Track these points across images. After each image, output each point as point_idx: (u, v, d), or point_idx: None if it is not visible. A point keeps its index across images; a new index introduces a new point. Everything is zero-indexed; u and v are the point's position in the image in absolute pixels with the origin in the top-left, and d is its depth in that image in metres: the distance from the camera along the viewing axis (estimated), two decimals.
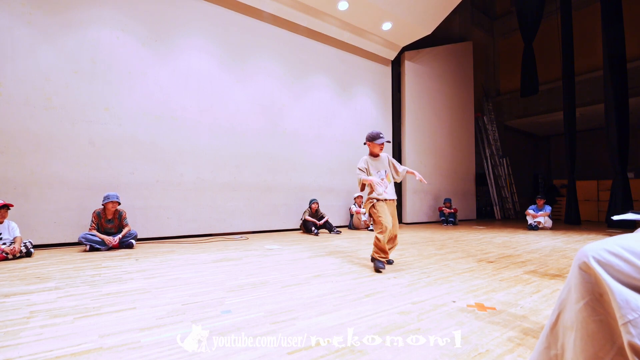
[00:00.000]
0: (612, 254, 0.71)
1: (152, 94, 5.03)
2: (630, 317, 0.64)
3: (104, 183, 4.58)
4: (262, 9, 6.23)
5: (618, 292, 0.67)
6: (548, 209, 7.10)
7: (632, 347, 0.64)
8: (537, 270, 3.03)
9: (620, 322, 0.66)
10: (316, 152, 7.01)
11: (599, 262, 0.71)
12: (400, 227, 7.64)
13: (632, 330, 0.64)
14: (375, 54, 8.20)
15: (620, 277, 0.68)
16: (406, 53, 8.66)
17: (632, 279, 0.68)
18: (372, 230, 6.61)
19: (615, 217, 1.09)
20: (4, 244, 3.40)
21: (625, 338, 0.65)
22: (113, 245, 3.96)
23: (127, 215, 4.34)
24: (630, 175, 9.43)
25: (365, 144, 3.26)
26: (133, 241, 4.16)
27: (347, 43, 7.61)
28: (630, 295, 0.66)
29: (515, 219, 10.59)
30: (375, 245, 2.99)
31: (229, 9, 5.88)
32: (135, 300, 2.05)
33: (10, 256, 3.30)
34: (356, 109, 7.80)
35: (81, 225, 4.36)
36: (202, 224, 5.42)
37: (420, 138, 8.97)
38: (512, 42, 11.93)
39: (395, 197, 3.15)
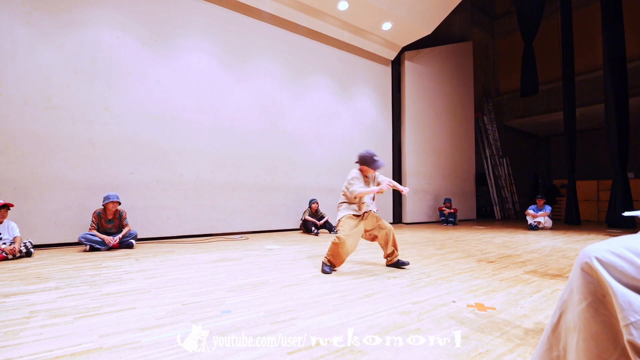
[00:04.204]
0: (615, 255, 0.70)
1: (152, 94, 5.03)
2: (633, 319, 0.64)
3: (104, 183, 4.57)
4: (262, 9, 6.22)
5: (621, 293, 0.67)
6: (548, 209, 7.10)
7: (633, 345, 0.64)
8: (537, 270, 3.03)
9: (622, 323, 0.66)
10: (316, 152, 7.00)
11: (601, 262, 0.70)
12: (400, 227, 7.64)
13: (634, 332, 0.64)
14: (375, 54, 8.20)
15: (622, 279, 0.68)
16: (406, 53, 8.66)
17: (635, 280, 0.67)
18: None
19: (626, 213, 1.09)
20: (4, 244, 3.40)
21: (626, 338, 0.65)
22: (113, 245, 3.96)
23: (127, 215, 4.35)
24: (630, 175, 9.43)
25: (357, 163, 2.97)
26: (133, 241, 4.16)
27: (347, 43, 7.61)
28: (632, 297, 0.66)
29: (515, 219, 10.58)
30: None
31: (229, 9, 5.88)
32: (135, 300, 2.05)
33: (10, 256, 3.30)
34: (356, 109, 7.79)
35: (81, 225, 4.36)
36: (202, 224, 5.42)
37: (420, 138, 8.97)
38: (512, 42, 11.93)
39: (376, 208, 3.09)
